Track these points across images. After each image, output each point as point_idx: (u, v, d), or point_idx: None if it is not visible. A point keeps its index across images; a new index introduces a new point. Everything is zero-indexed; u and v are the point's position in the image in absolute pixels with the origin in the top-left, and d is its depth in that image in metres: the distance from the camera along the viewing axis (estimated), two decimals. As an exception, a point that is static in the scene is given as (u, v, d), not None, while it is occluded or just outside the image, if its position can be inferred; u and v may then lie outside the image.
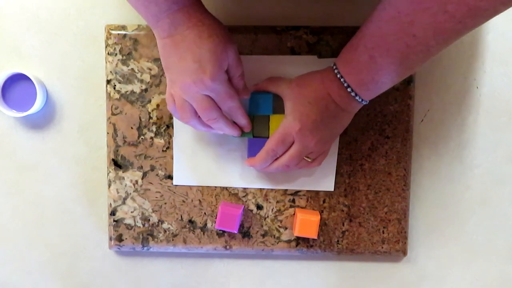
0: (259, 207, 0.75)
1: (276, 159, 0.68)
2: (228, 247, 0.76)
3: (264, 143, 0.67)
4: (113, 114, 0.74)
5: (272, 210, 0.75)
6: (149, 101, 0.73)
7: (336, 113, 0.63)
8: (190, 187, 0.75)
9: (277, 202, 0.75)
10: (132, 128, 0.74)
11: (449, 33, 0.49)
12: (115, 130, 0.74)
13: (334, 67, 0.61)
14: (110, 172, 0.75)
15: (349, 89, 0.60)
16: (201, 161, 0.74)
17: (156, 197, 0.75)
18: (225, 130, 0.66)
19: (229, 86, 0.61)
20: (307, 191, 0.75)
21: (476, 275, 0.79)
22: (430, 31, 0.49)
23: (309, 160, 0.67)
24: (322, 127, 0.63)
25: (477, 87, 0.76)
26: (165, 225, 0.75)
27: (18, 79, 0.74)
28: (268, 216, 0.75)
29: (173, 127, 0.74)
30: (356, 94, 0.60)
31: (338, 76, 0.60)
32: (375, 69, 0.56)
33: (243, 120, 0.67)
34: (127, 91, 0.73)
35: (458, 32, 0.49)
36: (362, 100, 0.61)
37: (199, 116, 0.63)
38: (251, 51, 0.72)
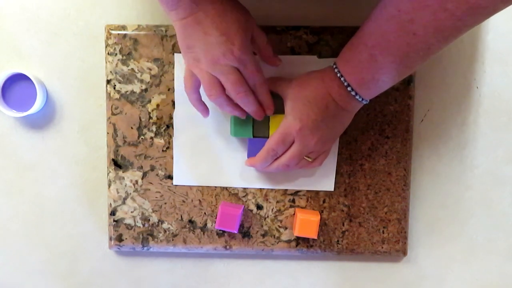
0: (259, 207, 0.75)
1: (276, 159, 0.68)
2: (228, 247, 0.76)
3: (264, 143, 0.67)
4: (113, 114, 0.74)
5: (272, 210, 0.75)
6: (149, 101, 0.73)
7: (336, 113, 0.63)
8: (190, 187, 0.75)
9: (277, 202, 0.75)
10: (132, 128, 0.74)
11: (449, 31, 0.50)
12: (115, 130, 0.74)
13: (334, 66, 0.61)
14: (110, 172, 0.75)
15: (349, 88, 0.60)
16: (201, 161, 0.74)
17: (156, 197, 0.75)
18: (251, 108, 0.65)
19: (255, 59, 0.61)
20: (307, 191, 0.75)
21: (476, 275, 0.79)
22: (430, 29, 0.50)
23: (310, 160, 0.67)
24: (322, 127, 0.63)
25: (477, 87, 0.76)
26: (165, 225, 0.75)
27: (18, 79, 0.74)
28: (268, 216, 0.75)
29: (173, 127, 0.74)
30: (356, 93, 0.60)
31: (338, 75, 0.60)
32: (376, 67, 0.56)
33: (267, 98, 0.66)
34: (127, 91, 0.73)
35: (458, 30, 0.49)
36: (362, 99, 0.61)
37: (225, 95, 0.63)
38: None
